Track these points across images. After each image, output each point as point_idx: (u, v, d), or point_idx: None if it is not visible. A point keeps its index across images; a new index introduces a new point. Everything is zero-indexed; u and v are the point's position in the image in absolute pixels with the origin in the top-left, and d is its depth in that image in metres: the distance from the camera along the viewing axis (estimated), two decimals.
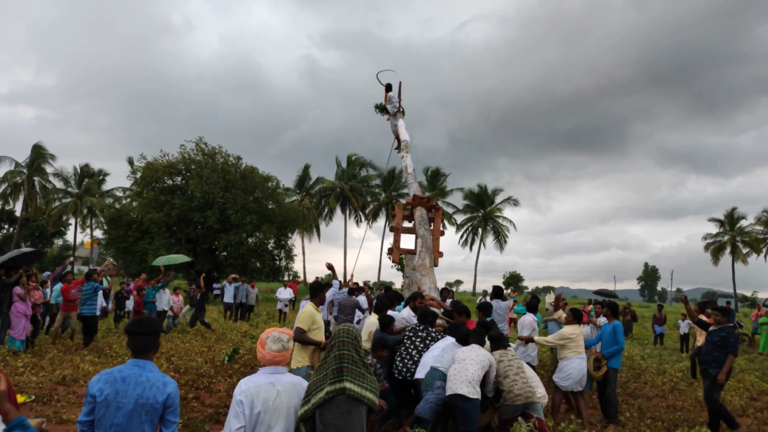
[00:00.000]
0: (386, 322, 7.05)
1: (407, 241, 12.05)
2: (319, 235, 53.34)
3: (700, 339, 12.03)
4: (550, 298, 27.00)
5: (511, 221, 57.04)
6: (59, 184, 51.36)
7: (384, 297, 8.29)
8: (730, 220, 54.15)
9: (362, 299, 11.99)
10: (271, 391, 3.28)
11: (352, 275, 10.90)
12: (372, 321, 7.65)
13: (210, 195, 27.96)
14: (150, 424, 3.01)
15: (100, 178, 54.30)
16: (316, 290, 6.58)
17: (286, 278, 31.10)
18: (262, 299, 27.66)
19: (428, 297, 8.44)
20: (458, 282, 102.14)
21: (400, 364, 6.54)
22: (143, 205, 27.78)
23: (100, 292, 12.70)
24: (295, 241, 37.22)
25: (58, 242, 70.91)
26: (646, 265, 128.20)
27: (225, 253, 28.56)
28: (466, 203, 56.84)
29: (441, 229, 11.81)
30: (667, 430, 7.64)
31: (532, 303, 9.60)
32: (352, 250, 55.24)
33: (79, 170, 52.47)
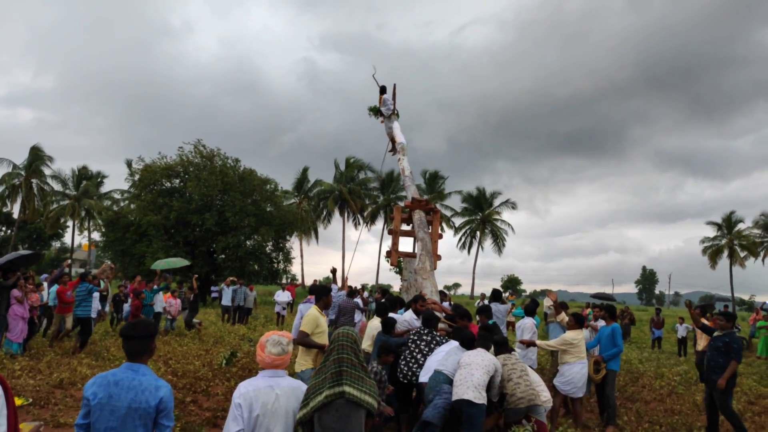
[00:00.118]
0: (389, 325, 7.03)
1: (406, 244, 12.06)
2: (317, 237, 53.37)
3: (702, 343, 12.03)
4: (548, 302, 27.06)
5: (509, 224, 57.19)
6: (57, 187, 51.32)
7: (386, 300, 8.29)
8: (728, 223, 54.25)
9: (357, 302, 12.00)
10: (270, 394, 3.28)
11: (346, 278, 10.84)
12: (375, 324, 7.63)
13: (208, 197, 27.96)
14: (144, 428, 3.00)
15: (98, 180, 54.28)
16: (321, 293, 6.54)
17: (284, 281, 31.07)
18: (260, 302, 27.64)
19: (430, 300, 8.43)
20: (456, 285, 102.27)
21: (405, 368, 6.52)
22: (141, 208, 27.75)
23: (96, 295, 12.68)
24: (294, 243, 37.23)
25: (56, 245, 70.76)
26: (644, 268, 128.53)
27: (223, 256, 28.54)
28: (464, 206, 56.92)
29: (439, 232, 11.83)
30: None
31: (531, 306, 9.60)
32: (350, 253, 55.28)
33: (77, 172, 52.44)
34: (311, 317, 6.02)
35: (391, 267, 43.76)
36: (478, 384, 5.50)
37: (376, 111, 14.89)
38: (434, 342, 6.66)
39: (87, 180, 52.45)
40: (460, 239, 57.67)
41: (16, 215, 52.67)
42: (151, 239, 26.57)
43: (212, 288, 28.65)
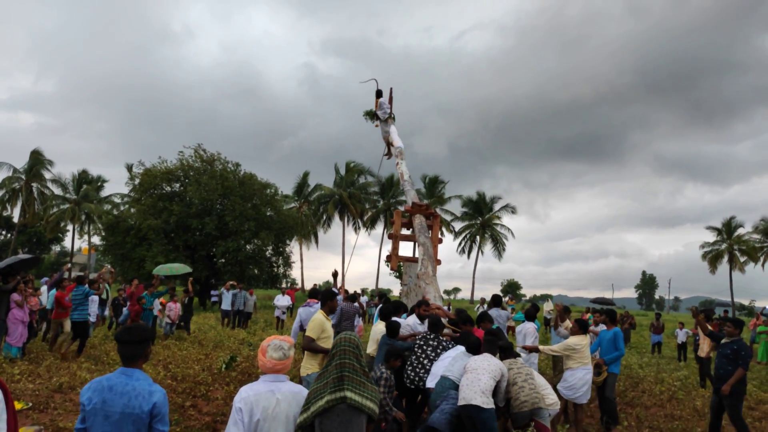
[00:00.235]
0: (394, 329, 7.00)
1: (405, 249, 12.07)
2: (317, 242, 53.38)
3: (705, 348, 12.01)
4: (548, 306, 27.05)
5: (509, 229, 57.14)
6: (57, 191, 51.44)
7: (390, 304, 8.29)
8: (728, 228, 54.25)
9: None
10: (271, 399, 3.27)
11: (342, 282, 10.81)
12: (379, 328, 7.60)
13: (208, 202, 27.98)
14: None
15: (99, 184, 54.34)
16: (327, 298, 6.50)
17: (284, 285, 31.07)
18: (260, 306, 27.62)
19: (434, 306, 8.42)
20: (456, 290, 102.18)
21: (412, 374, 6.51)
22: (141, 212, 27.78)
23: (96, 299, 12.66)
24: (293, 248, 37.23)
25: (56, 248, 70.79)
26: (643, 273, 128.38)
27: (223, 260, 28.54)
28: (464, 211, 56.92)
29: (439, 236, 11.84)
30: None
31: (532, 311, 9.61)
32: (349, 258, 55.18)
33: (77, 176, 52.49)
34: (317, 322, 5.99)
35: (391, 271, 43.78)
36: (486, 389, 5.50)
37: (372, 115, 14.87)
38: (440, 347, 6.65)
39: (87, 184, 52.52)
40: (460, 244, 57.67)
41: (16, 219, 52.75)
42: (151, 243, 26.58)
43: (212, 292, 28.64)
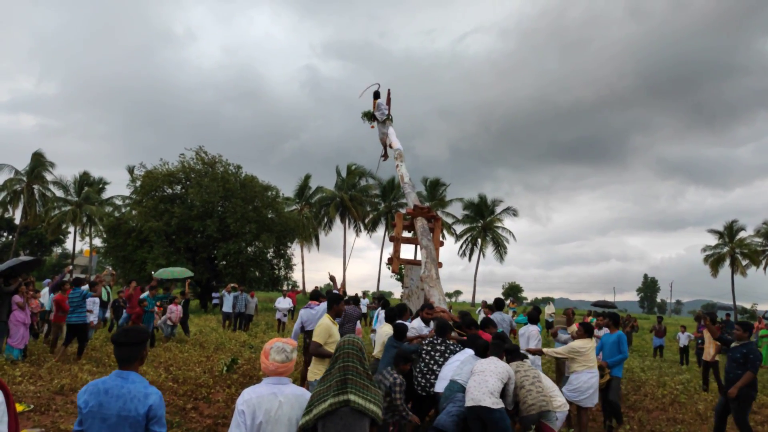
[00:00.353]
0: (402, 331, 6.94)
1: (407, 251, 12.06)
2: (318, 244, 53.36)
3: (711, 352, 11.97)
4: (549, 309, 27.01)
5: (510, 232, 57.14)
6: (59, 192, 51.49)
7: (394, 307, 8.28)
8: (730, 231, 54.19)
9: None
10: (274, 401, 3.26)
11: (342, 285, 10.73)
12: (385, 331, 7.57)
13: (209, 204, 28.00)
14: None
15: (100, 186, 54.38)
16: (333, 301, 6.42)
17: (285, 288, 31.06)
18: (261, 309, 27.58)
19: (438, 309, 8.40)
20: (457, 292, 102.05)
21: (423, 380, 6.49)
22: (143, 214, 27.81)
23: (97, 301, 12.64)
24: (295, 250, 37.24)
25: (57, 250, 70.86)
26: (645, 276, 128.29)
27: (224, 262, 28.54)
28: (465, 213, 56.91)
29: (440, 239, 11.82)
30: None
31: (534, 314, 9.60)
32: (351, 260, 55.22)
33: (78, 178, 52.56)
34: (324, 327, 5.94)
35: (393, 274, 43.76)
36: (494, 390, 5.52)
37: (370, 116, 14.85)
38: (448, 351, 6.63)
39: (89, 186, 52.58)
40: (461, 246, 57.68)
41: (17, 221, 52.79)
42: (153, 245, 26.59)
43: (213, 294, 28.64)
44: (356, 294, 27.77)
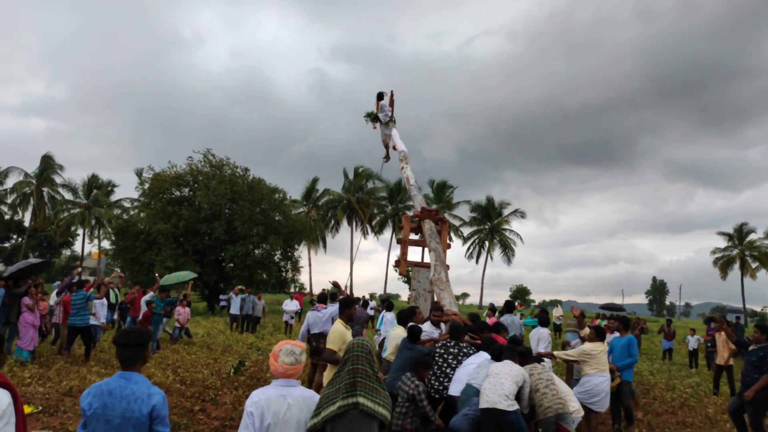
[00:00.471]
0: (416, 333, 6.88)
1: (414, 254, 12.03)
2: (325, 247, 53.44)
3: (725, 355, 11.88)
4: (557, 312, 26.91)
5: (518, 234, 56.97)
6: (68, 195, 51.81)
7: (406, 309, 8.28)
8: (739, 234, 53.79)
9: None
10: (282, 403, 3.26)
11: (346, 287, 10.63)
12: (398, 333, 7.54)
13: (217, 206, 28.10)
14: None
15: (109, 189, 54.69)
16: (345, 306, 6.37)
17: (292, 290, 31.10)
18: (269, 311, 27.66)
19: (449, 312, 8.37)
20: (465, 295, 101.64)
21: (436, 383, 6.47)
22: (151, 216, 27.93)
23: (105, 302, 12.67)
24: (302, 252, 37.27)
25: (66, 253, 71.29)
26: (654, 279, 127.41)
27: (232, 265, 28.62)
28: (472, 216, 56.82)
29: (447, 242, 11.79)
30: None
31: (544, 317, 9.59)
32: (358, 263, 55.34)
33: (87, 181, 52.89)
34: (337, 333, 5.87)
35: (400, 276, 43.71)
36: (509, 393, 5.53)
37: (373, 118, 14.81)
38: (461, 354, 6.61)
39: (97, 189, 52.90)
40: (468, 249, 57.57)
41: (27, 223, 53.13)
42: (161, 248, 26.69)
43: (221, 296, 28.73)
44: (364, 297, 27.84)
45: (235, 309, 19.24)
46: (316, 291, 30.70)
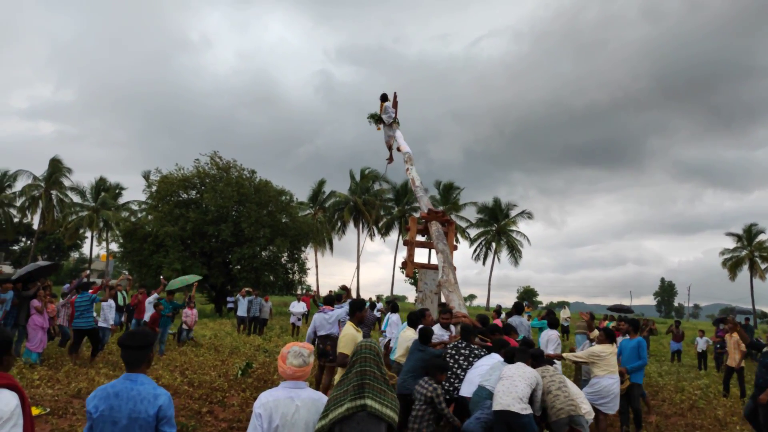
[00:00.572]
0: (428, 335, 6.89)
1: (421, 255, 12.02)
2: (332, 248, 53.48)
3: (737, 357, 11.79)
4: (565, 313, 26.79)
5: (525, 235, 56.78)
6: (76, 198, 52.09)
7: (416, 311, 8.28)
8: (748, 235, 53.46)
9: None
10: (290, 405, 3.27)
11: (349, 290, 10.52)
12: (408, 335, 7.53)
13: (224, 209, 28.21)
14: None
15: (116, 191, 54.98)
16: (356, 309, 6.30)
17: (299, 292, 31.15)
18: (276, 313, 27.70)
19: (459, 314, 8.35)
20: (472, 296, 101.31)
21: (447, 384, 6.47)
22: (158, 219, 28.05)
23: (113, 304, 12.72)
24: (309, 254, 37.31)
25: (75, 255, 71.66)
26: (662, 280, 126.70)
27: (239, 267, 28.70)
28: (479, 217, 56.69)
29: (454, 243, 11.77)
30: None
31: (554, 319, 9.55)
32: (365, 264, 55.42)
33: (95, 184, 53.18)
34: (349, 337, 5.84)
35: (406, 278, 43.66)
36: (523, 395, 5.52)
37: (377, 119, 14.80)
38: (473, 355, 6.60)
39: (105, 191, 53.17)
40: (475, 251, 57.42)
41: (36, 226, 53.48)
42: (168, 250, 26.79)
43: (228, 299, 28.80)
44: (370, 298, 27.84)
45: (242, 311, 19.29)
46: (323, 293, 30.64)
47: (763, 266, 52.25)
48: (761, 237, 53.04)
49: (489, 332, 7.46)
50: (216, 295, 30.06)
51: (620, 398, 7.86)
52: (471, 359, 6.54)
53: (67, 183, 51.35)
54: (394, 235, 54.98)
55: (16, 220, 52.51)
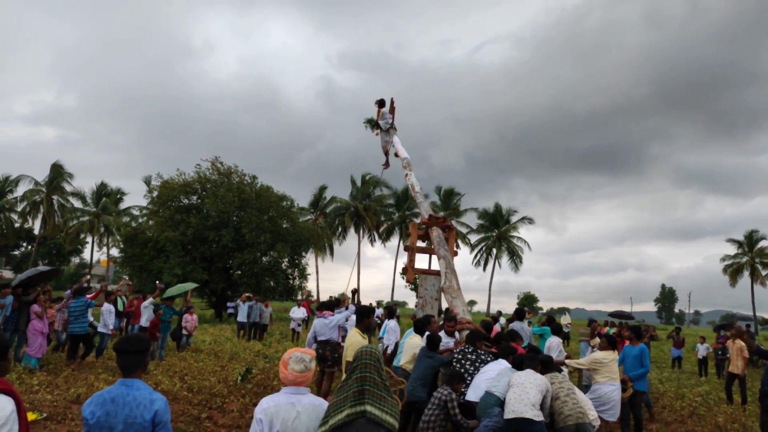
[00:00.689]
0: (435, 341, 6.89)
1: (421, 261, 12.01)
2: (332, 254, 53.42)
3: (740, 365, 11.75)
4: (565, 320, 26.75)
5: (525, 241, 56.68)
6: (77, 203, 52.15)
7: (422, 318, 8.28)
8: (749, 241, 53.36)
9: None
10: (291, 411, 3.26)
11: (345, 296, 10.51)
12: (414, 342, 7.51)
13: (225, 214, 28.24)
14: None
15: (118, 196, 55.02)
16: (363, 315, 6.22)
17: (299, 297, 31.12)
18: (276, 318, 27.65)
19: (463, 320, 8.34)
20: (472, 302, 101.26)
21: None
22: (159, 224, 28.08)
23: (113, 309, 12.71)
24: (309, 260, 37.32)
25: (75, 260, 71.72)
26: (663, 286, 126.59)
27: (239, 272, 28.72)
28: (480, 223, 56.63)
29: (454, 249, 11.77)
30: None
31: (557, 325, 9.55)
32: (365, 270, 55.45)
33: (96, 189, 53.23)
34: (355, 344, 5.82)
35: (407, 284, 43.60)
36: (535, 402, 5.51)
37: (374, 124, 14.83)
38: (479, 360, 6.60)
39: (106, 197, 53.21)
40: (476, 256, 57.33)
41: (37, 231, 53.52)
42: (169, 255, 26.81)
43: (228, 304, 28.78)
44: (370, 304, 27.79)
45: (242, 316, 19.27)
46: (323, 298, 30.65)
47: (764, 273, 52.11)
48: (762, 243, 52.93)
49: (495, 342, 7.44)
50: (216, 300, 30.04)
51: (622, 405, 7.85)
52: (477, 364, 6.53)
53: (68, 188, 51.44)
54: (394, 240, 54.98)
55: (17, 225, 52.53)
